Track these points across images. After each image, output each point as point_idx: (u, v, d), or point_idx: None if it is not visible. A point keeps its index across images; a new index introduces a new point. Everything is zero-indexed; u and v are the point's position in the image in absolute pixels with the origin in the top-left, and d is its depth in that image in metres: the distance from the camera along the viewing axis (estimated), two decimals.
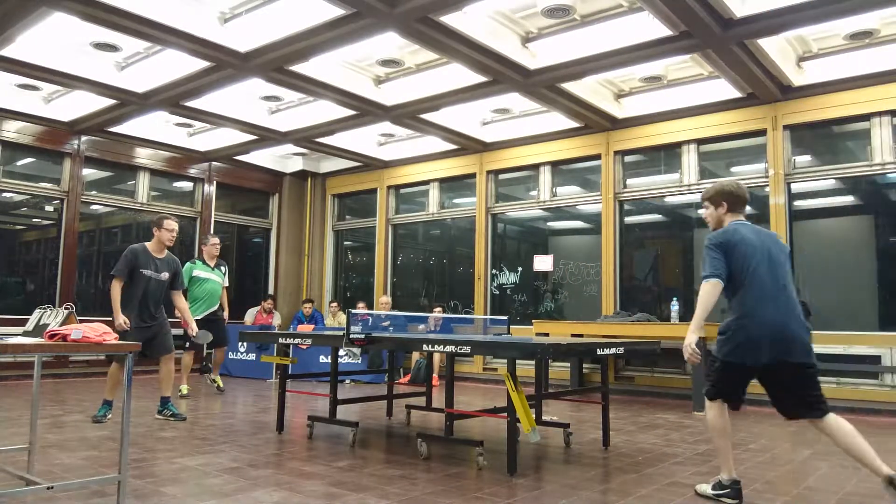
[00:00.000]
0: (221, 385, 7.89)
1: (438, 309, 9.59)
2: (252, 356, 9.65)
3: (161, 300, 5.74)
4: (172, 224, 5.77)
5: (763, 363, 3.30)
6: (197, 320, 6.69)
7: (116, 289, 5.48)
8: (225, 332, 7.77)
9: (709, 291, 3.38)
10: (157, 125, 9.65)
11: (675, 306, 7.48)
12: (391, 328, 8.92)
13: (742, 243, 3.43)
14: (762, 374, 3.38)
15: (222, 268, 7.86)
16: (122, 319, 5.32)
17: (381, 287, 10.98)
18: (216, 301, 7.63)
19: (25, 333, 3.23)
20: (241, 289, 11.70)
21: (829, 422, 3.26)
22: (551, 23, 6.46)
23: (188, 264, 7.54)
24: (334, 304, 10.71)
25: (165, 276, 5.69)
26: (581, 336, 7.47)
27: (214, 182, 10.99)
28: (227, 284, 7.92)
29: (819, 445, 5.03)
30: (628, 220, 8.94)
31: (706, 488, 3.50)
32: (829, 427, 3.26)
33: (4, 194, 9.17)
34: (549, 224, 10.07)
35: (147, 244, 5.70)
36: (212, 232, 9.81)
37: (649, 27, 6.05)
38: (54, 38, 6.78)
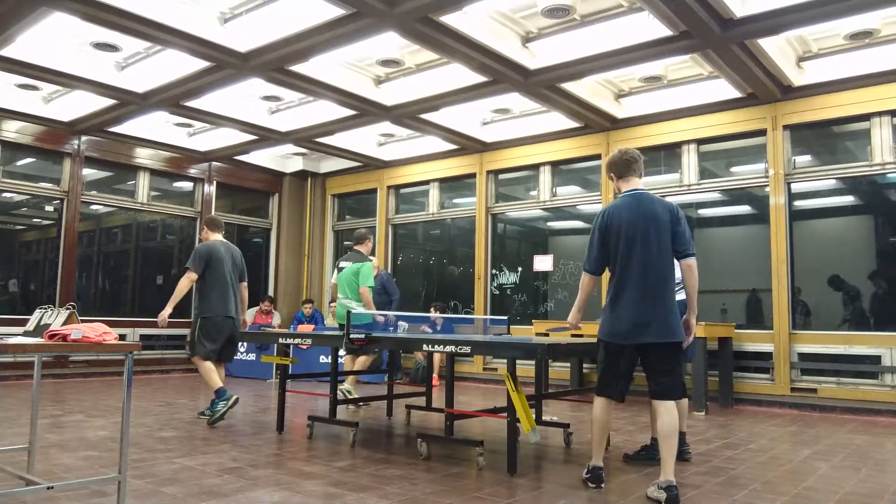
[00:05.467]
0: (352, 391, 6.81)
1: (433, 308, 9.57)
2: (252, 356, 9.67)
3: None
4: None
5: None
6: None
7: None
8: None
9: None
10: (157, 125, 9.64)
11: None
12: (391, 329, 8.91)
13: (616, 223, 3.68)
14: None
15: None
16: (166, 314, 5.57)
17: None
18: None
19: (26, 333, 3.23)
20: None
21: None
22: (551, 23, 6.46)
23: (368, 264, 7.12)
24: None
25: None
26: (581, 336, 7.46)
27: (214, 182, 10.99)
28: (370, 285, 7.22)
29: (819, 446, 5.02)
30: None
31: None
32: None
33: (4, 194, 9.16)
34: (549, 224, 10.07)
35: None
36: None
37: (649, 27, 6.05)
38: (54, 38, 6.78)
